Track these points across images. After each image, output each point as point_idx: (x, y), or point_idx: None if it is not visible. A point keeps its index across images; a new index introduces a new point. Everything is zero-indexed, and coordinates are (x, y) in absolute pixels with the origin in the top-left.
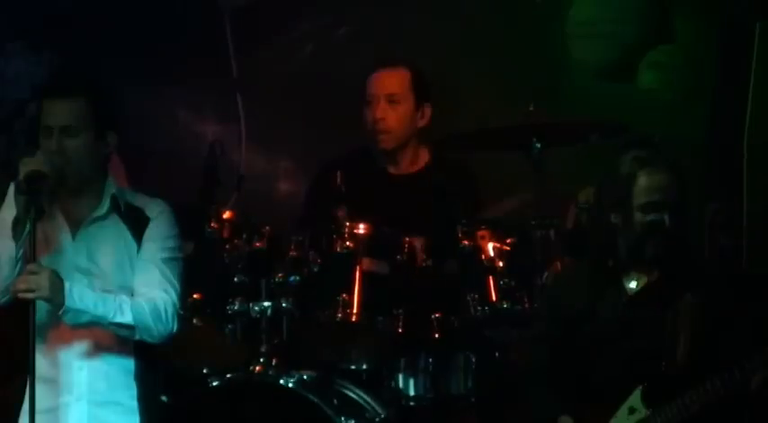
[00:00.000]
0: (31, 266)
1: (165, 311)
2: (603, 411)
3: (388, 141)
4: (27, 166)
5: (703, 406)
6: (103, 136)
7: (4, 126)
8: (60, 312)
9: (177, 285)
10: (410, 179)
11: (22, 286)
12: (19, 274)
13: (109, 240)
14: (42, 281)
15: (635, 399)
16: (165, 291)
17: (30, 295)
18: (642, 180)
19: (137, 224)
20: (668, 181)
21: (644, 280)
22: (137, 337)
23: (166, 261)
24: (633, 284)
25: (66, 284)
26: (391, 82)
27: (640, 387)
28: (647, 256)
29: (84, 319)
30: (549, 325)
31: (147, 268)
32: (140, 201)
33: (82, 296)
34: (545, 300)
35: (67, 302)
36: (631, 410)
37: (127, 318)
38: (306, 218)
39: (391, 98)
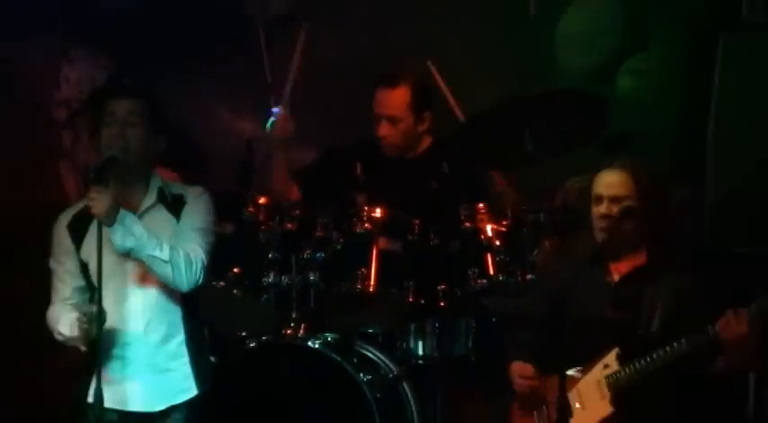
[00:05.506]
0: (95, 188)
1: (196, 262)
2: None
3: (391, 150)
4: (106, 153)
5: (668, 363)
6: (156, 135)
7: (70, 122)
8: (111, 229)
9: (207, 248)
10: (411, 164)
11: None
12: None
13: (159, 228)
14: (103, 200)
15: (610, 357)
16: (196, 247)
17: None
18: (598, 177)
19: (178, 208)
20: (619, 180)
21: (628, 262)
22: (171, 277)
23: (199, 229)
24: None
25: (122, 211)
26: (392, 103)
27: (617, 348)
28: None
29: (129, 243)
30: (541, 300)
31: (182, 231)
32: (181, 189)
33: (132, 223)
34: (539, 277)
35: (119, 221)
36: (605, 366)
37: (165, 255)
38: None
39: (392, 119)
